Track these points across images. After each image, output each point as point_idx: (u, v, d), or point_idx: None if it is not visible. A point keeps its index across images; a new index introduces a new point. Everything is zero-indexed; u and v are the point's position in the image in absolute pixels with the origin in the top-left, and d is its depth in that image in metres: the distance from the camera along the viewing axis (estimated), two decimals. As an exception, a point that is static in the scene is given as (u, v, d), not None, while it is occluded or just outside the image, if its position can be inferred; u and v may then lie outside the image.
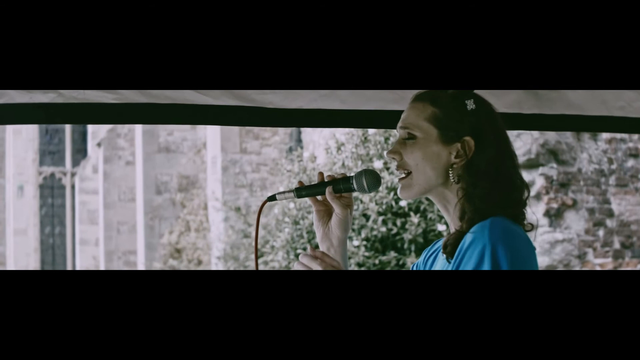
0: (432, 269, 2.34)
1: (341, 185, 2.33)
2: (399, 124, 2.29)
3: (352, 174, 2.34)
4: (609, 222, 8.62)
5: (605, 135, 8.57)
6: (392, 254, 8.49)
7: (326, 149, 9.94)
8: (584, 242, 8.54)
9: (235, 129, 15.69)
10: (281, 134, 16.10)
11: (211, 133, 16.59)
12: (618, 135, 8.55)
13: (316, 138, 13.76)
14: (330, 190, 2.33)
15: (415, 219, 8.43)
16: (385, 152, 9.21)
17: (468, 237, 2.12)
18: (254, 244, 2.15)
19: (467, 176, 2.22)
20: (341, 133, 9.96)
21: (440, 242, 2.34)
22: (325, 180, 2.36)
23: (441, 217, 8.56)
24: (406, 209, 8.61)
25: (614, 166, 8.64)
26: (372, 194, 8.46)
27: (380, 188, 8.67)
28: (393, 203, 8.65)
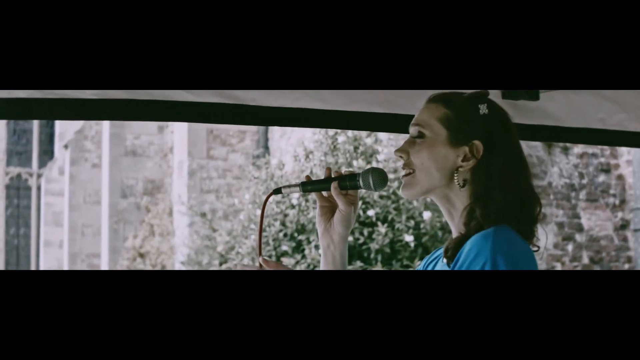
0: None
1: (347, 181, 2.32)
2: (412, 122, 2.29)
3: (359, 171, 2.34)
4: (578, 237, 8.63)
5: (576, 150, 8.60)
6: (359, 263, 8.46)
7: (295, 156, 9.90)
8: (553, 257, 8.55)
9: (202, 134, 15.72)
10: (248, 140, 16.06)
11: (178, 138, 16.58)
12: (590, 150, 8.59)
13: (283, 145, 13.73)
14: (335, 185, 2.31)
15: (382, 228, 8.41)
16: (354, 161, 9.15)
17: (468, 244, 2.10)
18: (257, 237, 2.20)
19: (476, 181, 2.20)
20: (310, 141, 9.92)
21: (441, 250, 2.33)
22: (332, 176, 2.34)
23: (409, 228, 8.54)
24: (374, 219, 8.58)
25: (584, 181, 8.64)
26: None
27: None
28: (360, 212, 8.61)
